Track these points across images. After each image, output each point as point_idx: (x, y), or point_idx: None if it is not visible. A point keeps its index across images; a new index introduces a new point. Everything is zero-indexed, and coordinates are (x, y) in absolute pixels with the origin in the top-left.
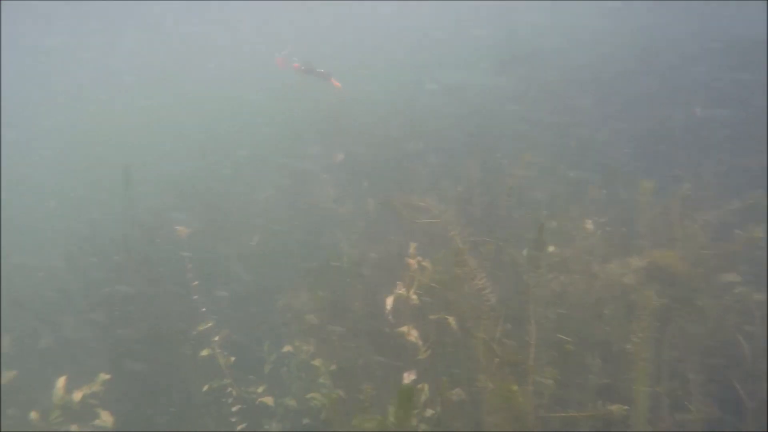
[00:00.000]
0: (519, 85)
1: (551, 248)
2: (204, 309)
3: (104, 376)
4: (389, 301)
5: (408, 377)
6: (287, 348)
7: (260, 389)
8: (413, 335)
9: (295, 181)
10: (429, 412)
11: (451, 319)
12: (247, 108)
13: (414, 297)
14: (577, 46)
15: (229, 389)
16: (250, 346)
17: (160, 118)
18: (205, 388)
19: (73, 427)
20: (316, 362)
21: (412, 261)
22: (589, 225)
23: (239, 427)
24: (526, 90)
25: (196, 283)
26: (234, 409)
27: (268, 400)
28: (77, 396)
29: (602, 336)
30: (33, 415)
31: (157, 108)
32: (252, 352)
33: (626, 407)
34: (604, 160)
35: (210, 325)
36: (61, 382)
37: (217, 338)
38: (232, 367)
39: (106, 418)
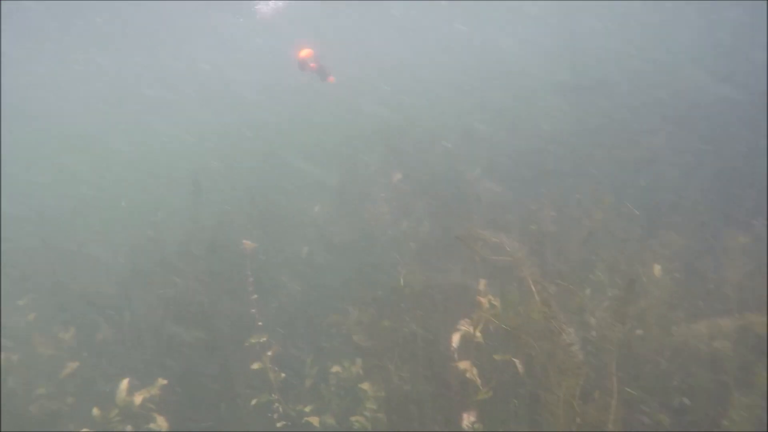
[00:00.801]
0: (583, 114)
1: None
2: (260, 323)
3: (162, 381)
4: (455, 339)
5: (467, 418)
6: (335, 368)
7: (308, 408)
8: (473, 373)
9: (353, 199)
10: None
11: (519, 364)
12: (305, 122)
13: (479, 335)
14: (650, 73)
15: (276, 404)
16: (300, 363)
17: (215, 131)
18: (254, 402)
19: (128, 428)
20: (365, 386)
21: (483, 300)
22: (658, 271)
23: None
24: (589, 120)
25: (256, 296)
26: (279, 425)
27: (314, 420)
28: (138, 399)
29: (690, 404)
30: (95, 411)
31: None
32: (301, 369)
33: None
34: (679, 201)
35: (264, 339)
36: (124, 384)
37: (270, 353)
38: (281, 383)
39: (161, 423)
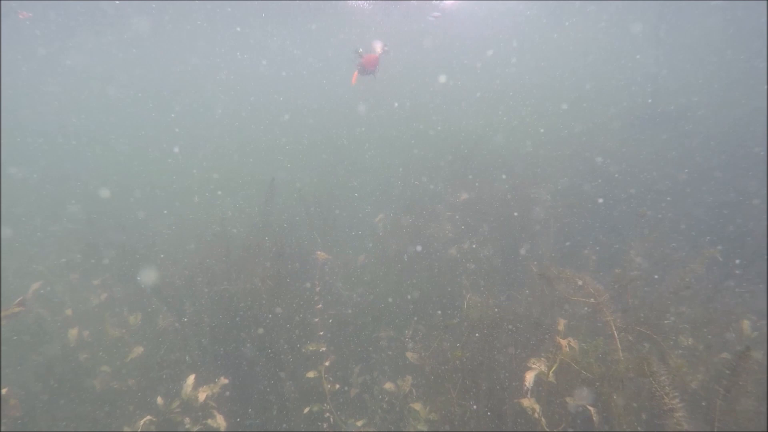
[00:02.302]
0: (656, 148)
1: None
2: (321, 333)
3: (224, 380)
4: (529, 378)
5: None
6: (388, 385)
7: (360, 423)
8: (538, 413)
9: (416, 213)
10: None
11: (594, 413)
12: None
13: (551, 376)
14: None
15: (327, 414)
16: (352, 375)
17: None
18: (306, 410)
19: (186, 420)
20: (416, 406)
21: (563, 341)
22: (746, 327)
23: None
24: (663, 155)
25: (320, 306)
26: None
27: None
28: (201, 396)
29: None
30: (159, 400)
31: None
32: (353, 382)
33: None
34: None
35: (323, 349)
36: (190, 380)
37: (327, 363)
38: (334, 394)
39: (220, 422)
